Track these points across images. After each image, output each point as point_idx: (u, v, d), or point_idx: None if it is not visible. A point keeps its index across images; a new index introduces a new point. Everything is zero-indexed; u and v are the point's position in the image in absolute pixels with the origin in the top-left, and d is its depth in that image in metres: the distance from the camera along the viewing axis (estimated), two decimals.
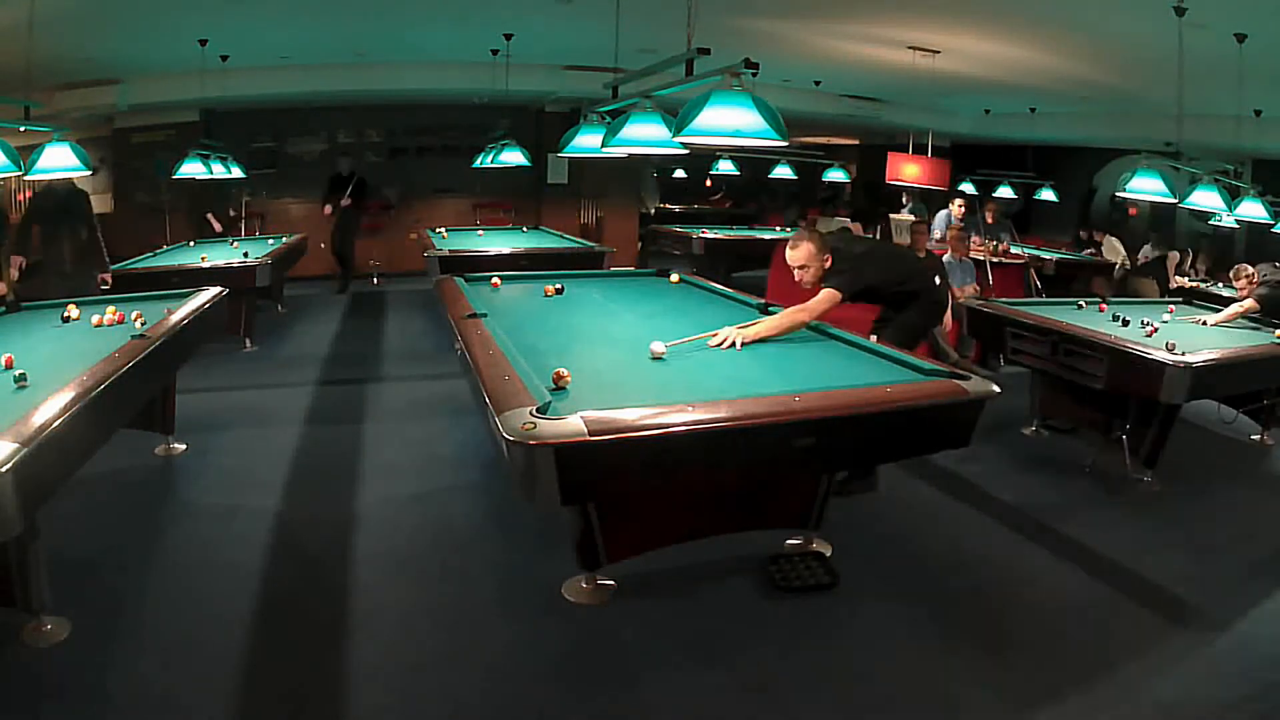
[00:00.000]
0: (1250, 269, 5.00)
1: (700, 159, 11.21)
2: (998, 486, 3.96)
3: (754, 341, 3.17)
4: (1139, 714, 2.30)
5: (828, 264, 3.53)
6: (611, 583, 2.82)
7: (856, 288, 3.49)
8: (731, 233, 9.81)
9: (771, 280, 7.53)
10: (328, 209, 8.69)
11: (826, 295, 3.40)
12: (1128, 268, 9.09)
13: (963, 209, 8.26)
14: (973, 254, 6.90)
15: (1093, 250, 9.43)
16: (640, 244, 11.46)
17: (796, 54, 7.09)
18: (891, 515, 3.60)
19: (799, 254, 3.53)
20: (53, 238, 5.41)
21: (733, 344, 3.11)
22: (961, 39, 6.05)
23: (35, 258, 5.46)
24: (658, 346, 2.95)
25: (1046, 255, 8.34)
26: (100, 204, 9.35)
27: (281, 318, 7.64)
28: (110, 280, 5.47)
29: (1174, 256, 8.29)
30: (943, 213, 8.40)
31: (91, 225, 5.54)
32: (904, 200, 10.39)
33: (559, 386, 2.45)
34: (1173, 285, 8.04)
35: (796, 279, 3.62)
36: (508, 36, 6.77)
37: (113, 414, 2.83)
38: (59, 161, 4.22)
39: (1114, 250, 9.25)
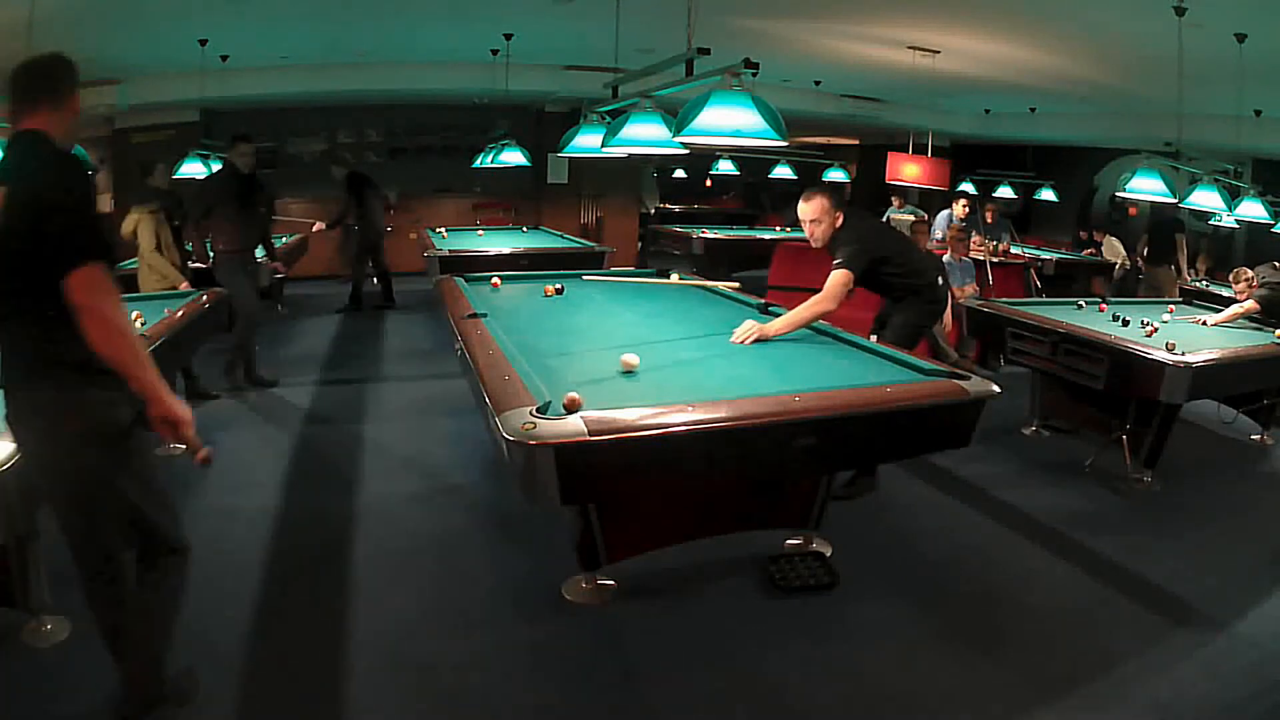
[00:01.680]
0: (1249, 272, 4.99)
1: (700, 159, 11.22)
2: (997, 486, 3.96)
3: (775, 337, 3.20)
4: (1138, 714, 2.30)
5: (838, 223, 3.55)
6: (611, 583, 2.82)
7: (864, 261, 3.48)
8: (731, 233, 9.81)
9: (771, 280, 7.53)
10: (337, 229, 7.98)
11: (839, 277, 3.40)
12: (1127, 268, 9.10)
13: (965, 209, 8.25)
14: (973, 254, 6.90)
15: (1093, 250, 9.44)
16: (640, 244, 11.47)
17: (796, 54, 7.09)
18: (891, 515, 3.61)
19: (812, 206, 3.54)
20: (237, 225, 5.07)
21: (754, 340, 3.14)
22: (961, 39, 6.05)
23: (221, 246, 5.07)
24: (630, 359, 2.73)
25: (1046, 255, 8.34)
26: (100, 204, 9.39)
27: (282, 318, 7.64)
28: (284, 271, 5.18)
29: (1180, 238, 8.31)
30: (944, 213, 8.40)
31: (270, 211, 5.11)
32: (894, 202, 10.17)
33: (570, 411, 2.18)
34: (1185, 270, 8.00)
35: (807, 234, 3.64)
36: (508, 36, 6.78)
37: None
38: None
39: (1114, 250, 9.26)
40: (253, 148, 5.30)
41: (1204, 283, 7.72)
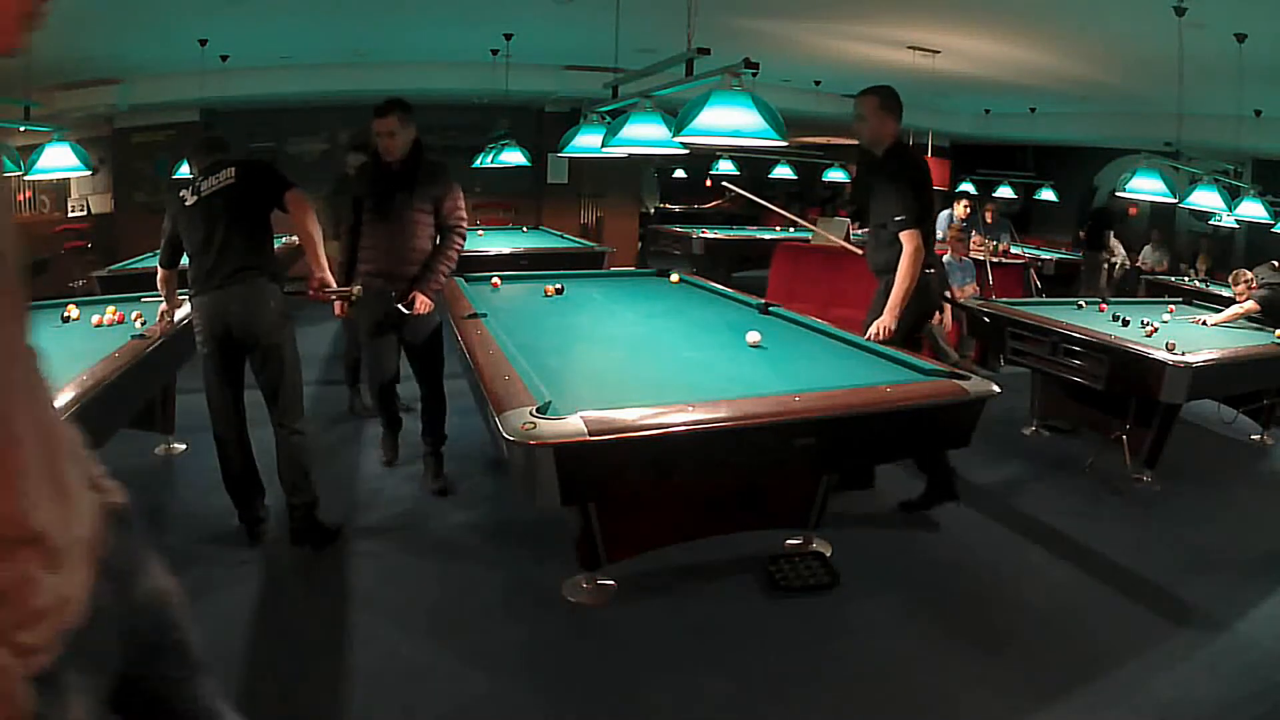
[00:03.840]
0: (1248, 274, 5.00)
1: (700, 159, 11.21)
2: (997, 486, 3.96)
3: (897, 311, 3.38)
4: (1139, 713, 2.30)
5: (886, 127, 3.64)
6: (611, 583, 2.82)
7: (922, 213, 3.51)
8: (731, 233, 9.82)
9: (772, 280, 7.53)
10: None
11: (912, 236, 3.43)
12: (1127, 267, 9.11)
13: (967, 210, 8.26)
14: (973, 254, 6.90)
15: None
16: (640, 244, 11.47)
17: (796, 54, 7.09)
18: (891, 515, 3.60)
19: (863, 101, 3.64)
20: (373, 238, 3.71)
21: (889, 331, 3.34)
22: (961, 39, 6.05)
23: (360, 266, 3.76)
24: (753, 336, 3.16)
25: (1046, 255, 8.34)
26: (100, 204, 9.40)
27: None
28: (427, 308, 3.65)
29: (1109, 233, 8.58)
30: (944, 213, 8.39)
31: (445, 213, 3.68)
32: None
33: None
34: (1115, 251, 8.28)
35: (855, 129, 3.75)
36: (508, 36, 6.78)
37: (112, 414, 2.83)
38: (59, 161, 4.23)
39: (1114, 250, 9.27)
40: (396, 121, 3.66)
41: (1207, 282, 7.73)
